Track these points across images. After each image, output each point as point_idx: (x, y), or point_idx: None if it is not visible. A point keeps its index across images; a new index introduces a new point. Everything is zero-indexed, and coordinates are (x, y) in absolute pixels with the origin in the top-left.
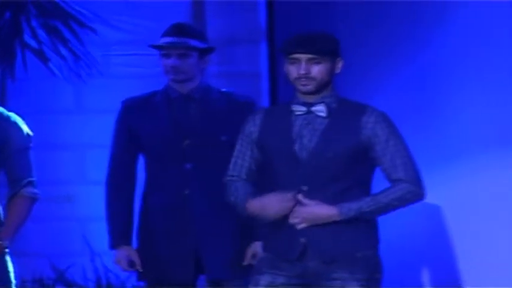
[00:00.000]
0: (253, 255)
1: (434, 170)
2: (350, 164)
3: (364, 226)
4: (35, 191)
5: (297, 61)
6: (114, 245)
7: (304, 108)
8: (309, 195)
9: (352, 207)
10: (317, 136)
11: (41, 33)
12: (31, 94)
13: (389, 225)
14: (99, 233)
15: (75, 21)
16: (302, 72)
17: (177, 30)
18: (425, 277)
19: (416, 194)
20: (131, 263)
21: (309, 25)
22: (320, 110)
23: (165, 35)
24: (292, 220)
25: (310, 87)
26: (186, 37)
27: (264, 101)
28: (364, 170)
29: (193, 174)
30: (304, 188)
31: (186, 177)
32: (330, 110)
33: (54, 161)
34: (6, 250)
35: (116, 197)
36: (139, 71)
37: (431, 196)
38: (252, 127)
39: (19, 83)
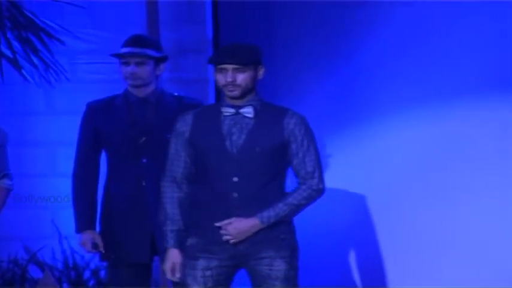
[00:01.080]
0: None
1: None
2: (273, 159)
3: None
4: (11, 182)
5: (224, 70)
6: (79, 229)
7: (232, 110)
8: (239, 185)
9: (271, 215)
10: (245, 134)
11: (15, 44)
12: (6, 98)
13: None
14: (67, 218)
15: (45, 34)
16: (229, 80)
17: (136, 41)
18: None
19: (319, 190)
20: (95, 245)
21: (251, 36)
22: (248, 111)
23: (124, 45)
24: (225, 238)
25: (236, 92)
26: (143, 47)
27: (211, 102)
28: (284, 164)
29: (149, 167)
30: (235, 179)
31: (142, 170)
32: (256, 112)
33: (27, 156)
34: None
35: (81, 187)
36: (102, 77)
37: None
38: (184, 126)
39: None
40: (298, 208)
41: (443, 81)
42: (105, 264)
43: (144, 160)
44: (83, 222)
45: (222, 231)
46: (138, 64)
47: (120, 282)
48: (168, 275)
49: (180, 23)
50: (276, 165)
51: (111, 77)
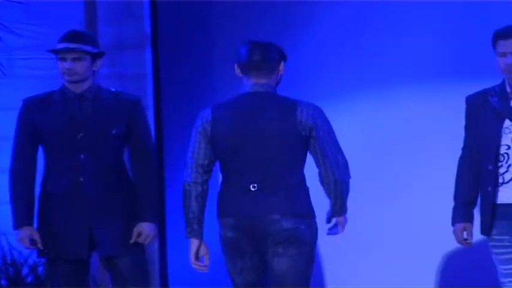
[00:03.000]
0: (139, 234)
1: None
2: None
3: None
4: None
5: None
6: (17, 225)
7: None
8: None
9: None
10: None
11: None
12: None
13: None
14: (4, 214)
15: None
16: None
17: (72, 36)
18: None
19: None
20: (33, 242)
21: (189, 32)
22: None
23: (61, 40)
24: None
25: None
26: (80, 43)
27: (149, 99)
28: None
29: (87, 163)
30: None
31: (80, 165)
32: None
33: None
34: None
35: (19, 183)
36: (39, 73)
37: None
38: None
39: None
40: None
41: (383, 71)
42: (43, 260)
43: (82, 156)
44: (21, 218)
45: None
46: (74, 60)
47: (58, 279)
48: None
49: (119, 18)
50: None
51: (48, 73)
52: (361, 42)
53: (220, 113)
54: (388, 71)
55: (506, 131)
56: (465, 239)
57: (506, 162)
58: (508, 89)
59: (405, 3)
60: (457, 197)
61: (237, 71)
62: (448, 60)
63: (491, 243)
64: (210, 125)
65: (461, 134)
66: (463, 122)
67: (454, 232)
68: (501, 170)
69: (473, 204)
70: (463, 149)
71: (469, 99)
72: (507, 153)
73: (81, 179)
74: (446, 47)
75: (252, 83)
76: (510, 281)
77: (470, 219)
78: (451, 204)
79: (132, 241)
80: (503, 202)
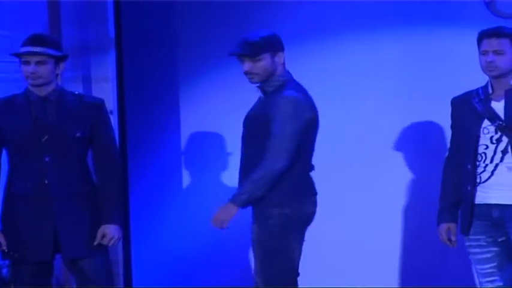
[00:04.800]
0: (103, 236)
1: None
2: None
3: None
4: None
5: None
6: None
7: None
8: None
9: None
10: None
11: None
12: None
13: None
14: None
15: None
16: (246, 69)
17: (36, 40)
18: None
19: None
20: None
21: (153, 34)
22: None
23: (24, 44)
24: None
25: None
26: (43, 46)
27: (113, 102)
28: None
29: (52, 165)
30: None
31: (45, 168)
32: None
33: None
34: None
35: None
36: (2, 76)
37: None
38: None
39: None
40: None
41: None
42: (7, 262)
43: (47, 158)
44: None
45: None
46: (38, 63)
47: (22, 280)
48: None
49: (82, 20)
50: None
51: (11, 76)
52: None
53: None
54: None
55: (485, 131)
56: (449, 239)
57: (484, 162)
58: (490, 90)
59: None
60: (443, 197)
61: (282, 59)
62: None
63: (467, 243)
64: None
65: None
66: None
67: (439, 232)
68: (479, 170)
69: (459, 204)
70: (449, 149)
71: (454, 101)
72: (485, 153)
73: (46, 182)
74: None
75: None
76: (488, 281)
77: (455, 219)
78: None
79: (96, 243)
80: (480, 202)
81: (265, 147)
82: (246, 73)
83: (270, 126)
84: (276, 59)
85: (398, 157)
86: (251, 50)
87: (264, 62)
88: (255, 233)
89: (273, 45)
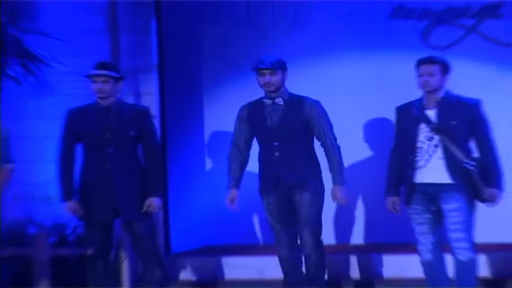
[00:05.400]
0: (149, 205)
1: None
2: (299, 130)
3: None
4: (13, 165)
5: (263, 74)
6: (64, 199)
7: (270, 101)
8: (278, 147)
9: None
10: (279, 116)
11: (17, 68)
12: (8, 104)
13: None
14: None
15: (38, 60)
16: (266, 80)
17: (101, 65)
18: None
19: (335, 146)
20: (75, 210)
21: (183, 60)
22: (279, 101)
23: (93, 68)
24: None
25: (272, 88)
26: (106, 70)
27: (156, 109)
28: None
29: (113, 155)
30: (276, 143)
31: (108, 157)
32: (284, 101)
33: (26, 148)
34: None
35: (64, 170)
36: (78, 92)
37: None
38: (242, 112)
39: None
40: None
41: None
42: (81, 223)
43: (110, 150)
44: (66, 195)
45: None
46: (103, 82)
47: (92, 236)
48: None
49: (134, 51)
50: (301, 134)
51: (85, 91)
52: None
53: None
54: None
55: (422, 131)
56: (395, 208)
57: (421, 153)
58: (425, 102)
59: None
60: (389, 179)
61: (286, 76)
62: None
63: (410, 211)
64: None
65: None
66: None
67: (387, 204)
68: (417, 159)
69: (401, 184)
70: (393, 143)
71: (398, 109)
72: (422, 147)
73: (109, 167)
74: None
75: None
76: (423, 237)
77: (398, 194)
78: None
79: (143, 210)
80: (418, 182)
81: (302, 139)
82: (266, 83)
83: (312, 123)
84: (285, 76)
85: (365, 147)
86: (272, 66)
87: (278, 77)
88: (305, 198)
89: (283, 66)
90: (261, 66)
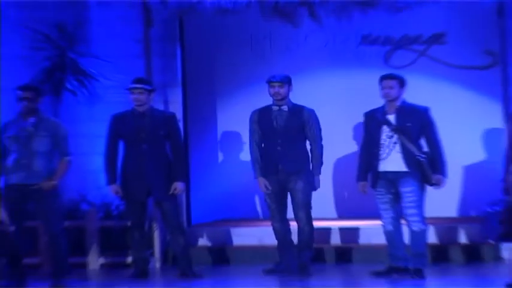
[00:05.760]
0: (175, 189)
1: None
2: (298, 132)
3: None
4: (71, 158)
5: (273, 86)
6: (109, 183)
7: (277, 107)
8: (281, 143)
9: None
10: (283, 119)
11: (73, 82)
12: (69, 111)
13: None
14: (102, 179)
15: (90, 76)
16: (276, 91)
17: (138, 80)
18: None
19: (319, 145)
20: (117, 192)
21: (200, 75)
22: (285, 108)
23: (132, 82)
24: None
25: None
26: (142, 84)
27: (180, 114)
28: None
29: (147, 150)
30: (279, 140)
31: (143, 151)
32: (288, 108)
33: (83, 144)
34: None
35: (109, 161)
36: (120, 100)
37: None
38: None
39: (71, 107)
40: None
41: None
42: (122, 202)
43: (145, 146)
44: (111, 180)
45: None
46: (139, 93)
47: (130, 212)
48: (263, 189)
49: (163, 68)
50: (299, 134)
51: (125, 100)
52: None
53: None
54: None
55: (384, 131)
56: (364, 190)
57: (383, 148)
58: (386, 108)
59: None
60: (360, 167)
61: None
62: None
63: (375, 193)
64: None
65: None
66: None
67: (358, 187)
68: (381, 152)
69: (368, 171)
70: (362, 141)
71: (366, 114)
72: (384, 143)
73: (143, 159)
74: None
75: None
76: (385, 214)
77: (366, 179)
78: None
79: (170, 192)
80: (382, 170)
81: (299, 138)
82: (275, 93)
83: (307, 126)
84: (290, 88)
85: (342, 144)
86: (281, 80)
87: (285, 89)
88: (300, 185)
89: (289, 81)
90: (272, 80)
